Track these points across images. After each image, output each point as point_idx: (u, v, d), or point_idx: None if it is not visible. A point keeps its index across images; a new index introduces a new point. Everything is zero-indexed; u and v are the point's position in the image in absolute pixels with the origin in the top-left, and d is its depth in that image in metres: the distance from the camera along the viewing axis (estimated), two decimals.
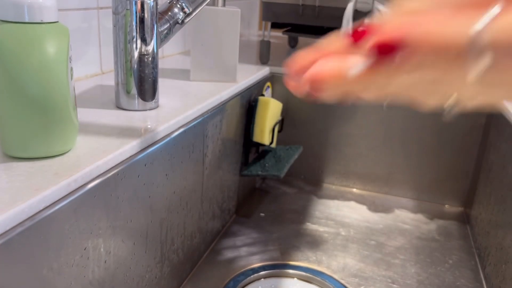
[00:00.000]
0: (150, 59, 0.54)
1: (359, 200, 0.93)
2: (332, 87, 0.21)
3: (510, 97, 0.19)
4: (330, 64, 0.21)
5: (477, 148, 0.87)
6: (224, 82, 0.74)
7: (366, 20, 0.20)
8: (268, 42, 0.93)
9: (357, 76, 0.20)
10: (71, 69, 0.40)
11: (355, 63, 0.20)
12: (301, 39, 1.29)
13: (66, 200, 0.36)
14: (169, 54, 0.96)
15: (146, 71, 0.55)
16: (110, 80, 0.69)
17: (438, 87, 0.19)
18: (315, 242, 0.76)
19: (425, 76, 0.19)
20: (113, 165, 0.43)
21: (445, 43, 0.17)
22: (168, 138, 0.52)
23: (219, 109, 0.66)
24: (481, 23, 0.16)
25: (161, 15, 0.58)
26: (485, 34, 0.16)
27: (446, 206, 0.92)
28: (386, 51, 0.18)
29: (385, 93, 0.21)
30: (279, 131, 0.88)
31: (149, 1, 0.52)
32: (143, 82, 0.55)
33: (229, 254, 0.71)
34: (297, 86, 0.23)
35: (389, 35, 0.18)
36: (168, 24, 0.58)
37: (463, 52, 0.16)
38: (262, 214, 0.84)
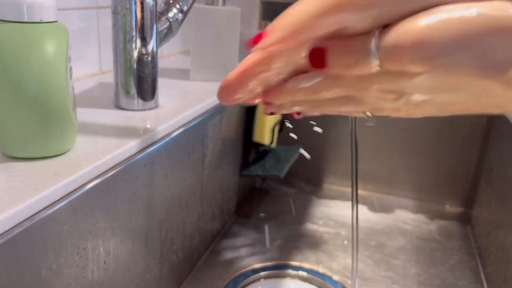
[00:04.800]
0: (149, 58, 0.54)
1: (360, 200, 0.93)
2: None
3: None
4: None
5: (478, 148, 0.87)
6: None
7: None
8: None
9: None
10: (71, 68, 0.40)
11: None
12: None
13: (65, 200, 0.36)
14: (169, 54, 0.96)
15: (146, 71, 0.54)
16: (109, 80, 0.69)
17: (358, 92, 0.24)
18: (315, 243, 0.76)
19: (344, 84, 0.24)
20: (113, 165, 0.42)
21: (353, 50, 0.22)
22: (167, 138, 0.52)
23: (219, 109, 0.66)
24: (374, 33, 0.21)
25: (160, 14, 0.58)
26: (375, 41, 0.21)
27: (447, 206, 0.91)
28: (319, 57, 0.23)
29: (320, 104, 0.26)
30: (279, 131, 0.88)
31: (148, 1, 0.52)
32: (142, 82, 0.55)
33: (228, 254, 0.71)
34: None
35: (319, 46, 0.23)
36: (168, 24, 0.58)
37: (364, 57, 0.21)
38: (262, 214, 0.84)
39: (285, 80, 0.26)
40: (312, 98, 0.26)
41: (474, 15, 0.19)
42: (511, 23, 0.19)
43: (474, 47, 0.19)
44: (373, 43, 0.21)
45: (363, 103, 0.25)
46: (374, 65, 0.21)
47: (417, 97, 0.23)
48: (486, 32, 0.19)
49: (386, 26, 0.21)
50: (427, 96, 0.23)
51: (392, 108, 0.25)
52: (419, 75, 0.21)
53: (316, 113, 0.28)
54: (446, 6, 0.20)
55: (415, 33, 0.20)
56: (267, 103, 0.28)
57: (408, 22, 0.20)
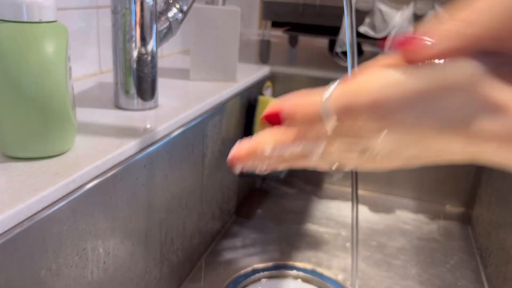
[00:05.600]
0: (149, 58, 0.54)
1: (360, 200, 0.92)
2: (250, 163, 0.26)
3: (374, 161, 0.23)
4: (246, 144, 0.26)
5: None
6: (224, 82, 0.74)
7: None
8: (268, 41, 0.93)
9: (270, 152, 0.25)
10: (70, 68, 0.40)
11: (267, 141, 0.25)
12: (302, 38, 1.28)
13: (65, 200, 0.36)
14: (168, 54, 0.96)
15: (145, 71, 0.54)
16: (109, 80, 0.69)
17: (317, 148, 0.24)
18: (315, 243, 0.76)
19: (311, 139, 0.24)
20: (112, 165, 0.42)
21: (307, 111, 0.22)
22: (167, 138, 0.52)
23: (219, 109, 0.66)
24: (326, 94, 0.21)
25: (160, 14, 0.58)
26: (328, 101, 0.21)
27: (447, 206, 0.91)
28: (275, 121, 0.23)
29: (295, 161, 0.26)
30: None
31: (148, 0, 0.52)
32: (142, 81, 0.55)
33: (228, 254, 0.71)
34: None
35: (271, 109, 0.23)
36: (168, 24, 0.58)
37: (319, 117, 0.21)
38: (259, 211, 0.84)
39: None
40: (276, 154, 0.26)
41: (424, 77, 0.19)
42: (460, 84, 0.19)
43: (427, 106, 0.19)
44: (327, 102, 0.21)
45: (327, 158, 0.25)
46: (331, 123, 0.21)
47: (380, 152, 0.23)
48: (436, 92, 0.19)
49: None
50: (391, 150, 0.23)
51: (355, 163, 0.25)
52: (379, 131, 0.21)
53: (281, 168, 0.27)
54: (398, 67, 0.20)
55: (370, 93, 0.20)
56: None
57: (362, 81, 0.20)
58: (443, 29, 0.20)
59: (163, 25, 0.58)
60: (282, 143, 0.25)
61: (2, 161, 0.38)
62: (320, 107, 0.21)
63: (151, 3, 0.52)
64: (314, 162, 0.26)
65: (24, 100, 0.37)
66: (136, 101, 0.55)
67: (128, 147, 0.45)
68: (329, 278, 0.66)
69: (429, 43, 0.20)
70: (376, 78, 0.20)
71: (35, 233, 0.33)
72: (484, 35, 0.19)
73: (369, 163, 0.24)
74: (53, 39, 0.37)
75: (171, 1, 0.60)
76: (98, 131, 0.48)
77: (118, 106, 0.56)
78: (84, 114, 0.52)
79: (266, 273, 0.67)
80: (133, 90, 0.55)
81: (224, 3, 0.73)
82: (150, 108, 0.57)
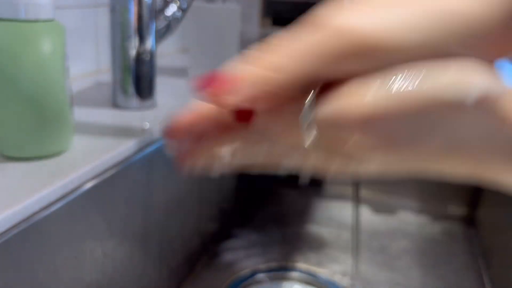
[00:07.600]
0: (147, 57, 0.53)
1: (362, 201, 0.92)
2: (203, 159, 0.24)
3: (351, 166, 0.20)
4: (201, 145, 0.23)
5: None
6: None
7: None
8: None
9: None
10: (68, 67, 0.40)
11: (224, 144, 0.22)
12: None
13: (62, 201, 0.35)
14: (167, 52, 0.95)
15: (144, 70, 0.54)
16: (107, 79, 0.68)
17: (286, 153, 0.22)
18: (316, 244, 0.75)
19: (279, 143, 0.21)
20: (110, 165, 0.42)
21: (282, 120, 0.19)
22: None
23: None
24: (307, 102, 0.18)
25: (159, 12, 0.58)
26: (312, 113, 0.18)
27: (451, 207, 0.91)
28: (243, 118, 0.19)
29: (248, 160, 0.24)
30: None
31: None
32: (140, 80, 0.54)
33: (228, 256, 0.70)
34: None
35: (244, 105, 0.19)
36: (166, 22, 0.57)
37: (298, 126, 0.18)
38: (259, 212, 0.83)
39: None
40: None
41: (427, 91, 0.16)
42: (468, 99, 0.15)
43: (432, 125, 0.16)
44: (309, 113, 0.17)
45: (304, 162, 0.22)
46: (312, 136, 0.18)
47: (365, 166, 0.20)
48: (438, 110, 0.16)
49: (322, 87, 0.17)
50: (379, 165, 0.19)
51: (334, 170, 0.22)
52: (370, 151, 0.18)
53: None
54: (396, 76, 0.16)
55: (365, 105, 0.16)
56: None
57: (353, 94, 0.16)
58: (248, 73, 0.17)
59: (162, 23, 0.57)
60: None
61: None
62: (300, 117, 0.18)
63: (150, 1, 0.52)
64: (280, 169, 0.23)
65: (20, 100, 0.37)
66: (134, 100, 0.55)
67: (126, 147, 0.44)
68: (331, 280, 0.66)
69: (233, 88, 0.17)
70: (370, 88, 0.16)
71: (32, 235, 0.33)
72: (295, 80, 0.17)
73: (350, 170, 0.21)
74: (50, 38, 0.37)
75: None
76: (96, 130, 0.47)
77: (116, 105, 0.56)
78: (81, 114, 0.51)
79: (266, 274, 0.66)
80: (131, 89, 0.54)
81: (224, 1, 0.72)
82: (148, 107, 0.56)
